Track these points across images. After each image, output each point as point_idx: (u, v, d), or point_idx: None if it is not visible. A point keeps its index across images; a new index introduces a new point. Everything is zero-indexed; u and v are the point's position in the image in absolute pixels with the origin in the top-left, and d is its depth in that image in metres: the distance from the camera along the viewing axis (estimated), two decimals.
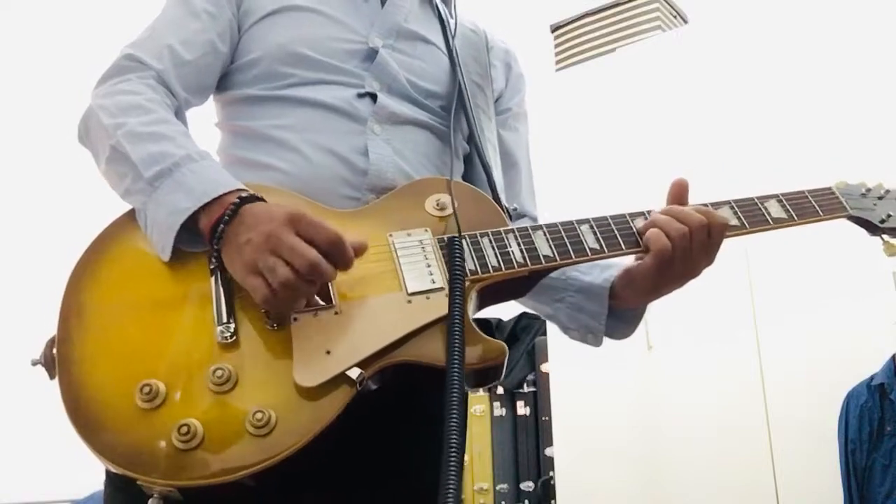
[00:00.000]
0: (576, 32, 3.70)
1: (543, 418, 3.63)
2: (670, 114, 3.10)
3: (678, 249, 0.93)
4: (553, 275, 1.03)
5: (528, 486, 3.68)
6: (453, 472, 0.70)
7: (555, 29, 3.79)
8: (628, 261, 1.02)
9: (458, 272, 0.87)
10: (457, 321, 0.82)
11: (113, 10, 3.58)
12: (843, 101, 2.66)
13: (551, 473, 3.34)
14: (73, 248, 0.92)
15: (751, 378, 2.68)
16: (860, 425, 2.33)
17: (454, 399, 0.75)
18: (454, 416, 0.74)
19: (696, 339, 2.84)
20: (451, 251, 0.90)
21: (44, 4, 3.79)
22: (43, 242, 3.37)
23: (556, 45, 3.77)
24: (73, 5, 3.76)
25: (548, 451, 3.49)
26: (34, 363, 0.86)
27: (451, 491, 0.68)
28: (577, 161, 3.31)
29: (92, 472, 0.80)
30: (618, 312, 1.05)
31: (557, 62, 3.73)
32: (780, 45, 2.88)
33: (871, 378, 2.35)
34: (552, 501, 3.35)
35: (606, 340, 1.08)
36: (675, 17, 3.58)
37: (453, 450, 0.71)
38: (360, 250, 0.85)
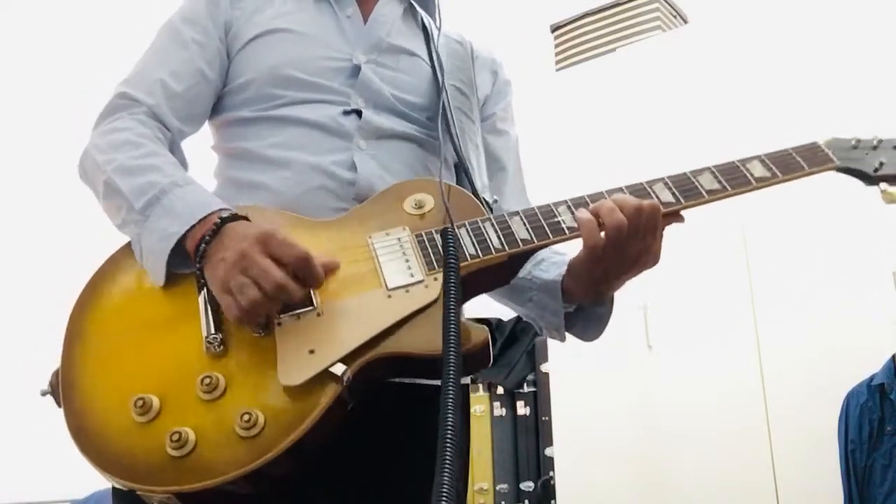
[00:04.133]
0: (576, 32, 3.70)
1: (543, 418, 3.63)
2: (670, 114, 3.11)
3: (610, 235, 0.91)
4: (520, 274, 1.04)
5: (528, 486, 3.68)
6: (448, 464, 0.69)
7: (555, 29, 3.80)
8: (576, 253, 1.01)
9: (452, 261, 0.88)
10: (452, 304, 0.82)
11: (111, 15, 3.59)
12: (843, 101, 2.66)
13: (551, 473, 3.34)
14: (78, 270, 0.97)
15: (751, 378, 2.68)
16: (860, 425, 2.33)
17: (451, 379, 0.75)
18: (450, 397, 0.73)
19: (696, 339, 2.84)
20: (443, 238, 0.91)
21: (44, 5, 3.79)
22: (48, 259, 3.40)
23: (556, 45, 3.77)
24: (74, 7, 3.76)
25: (548, 451, 3.49)
26: (43, 393, 0.89)
27: (445, 483, 0.68)
28: (577, 161, 3.31)
29: (92, 472, 0.81)
30: (585, 312, 1.06)
31: (557, 62, 3.74)
32: (779, 45, 2.88)
33: (871, 378, 2.35)
34: (552, 501, 3.35)
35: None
36: (675, 17, 3.59)
37: (448, 440, 0.70)
38: (330, 267, 0.89)
